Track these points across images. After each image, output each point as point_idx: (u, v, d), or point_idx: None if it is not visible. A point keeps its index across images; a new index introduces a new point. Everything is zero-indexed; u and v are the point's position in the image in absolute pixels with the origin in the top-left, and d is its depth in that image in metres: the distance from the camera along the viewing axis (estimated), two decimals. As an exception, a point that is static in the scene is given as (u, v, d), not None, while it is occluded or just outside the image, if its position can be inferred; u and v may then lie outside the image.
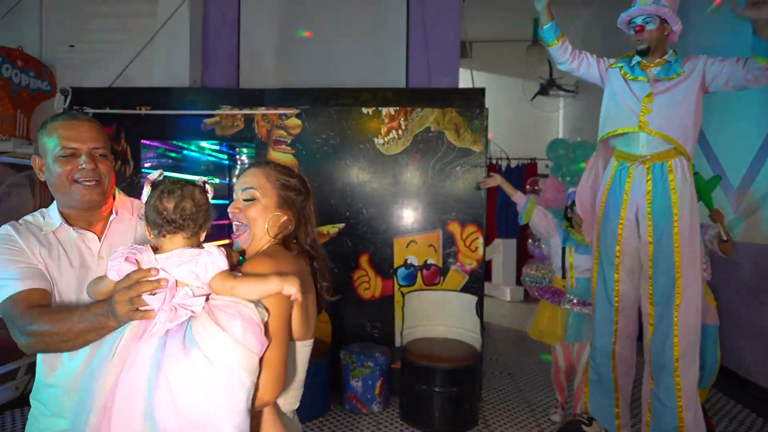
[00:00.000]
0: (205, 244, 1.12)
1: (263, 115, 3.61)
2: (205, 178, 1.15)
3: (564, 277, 3.20)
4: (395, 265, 3.56)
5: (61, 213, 1.32)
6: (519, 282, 6.89)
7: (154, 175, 1.12)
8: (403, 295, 3.50)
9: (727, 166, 4.12)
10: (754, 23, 2.05)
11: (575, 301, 3.08)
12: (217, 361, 0.97)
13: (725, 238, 2.82)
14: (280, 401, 1.20)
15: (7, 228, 1.28)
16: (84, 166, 1.26)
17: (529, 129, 8.39)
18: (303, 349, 1.22)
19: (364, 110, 3.55)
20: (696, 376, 2.38)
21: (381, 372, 3.30)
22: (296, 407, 1.26)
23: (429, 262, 3.54)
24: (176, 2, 5.35)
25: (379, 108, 3.54)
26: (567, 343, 3.17)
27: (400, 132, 3.53)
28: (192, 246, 1.09)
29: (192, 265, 1.04)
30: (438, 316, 3.40)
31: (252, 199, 1.22)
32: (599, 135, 2.57)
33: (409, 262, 3.56)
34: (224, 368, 0.97)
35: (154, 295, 1.00)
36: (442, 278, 3.52)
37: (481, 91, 3.55)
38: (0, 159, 3.61)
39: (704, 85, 2.31)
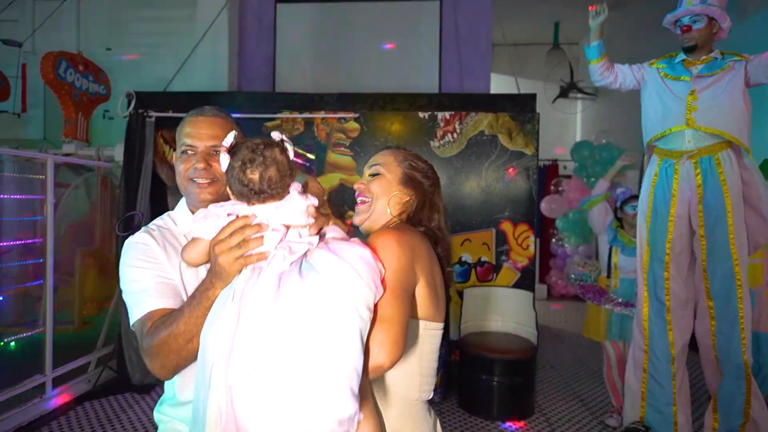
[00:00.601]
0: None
1: (323, 118, 3.77)
2: (281, 135, 1.06)
3: (608, 276, 3.28)
4: (451, 261, 3.72)
5: (190, 212, 1.27)
6: (542, 280, 7.07)
7: (228, 139, 1.03)
8: (458, 292, 3.67)
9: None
10: None
11: (618, 300, 3.08)
12: (335, 282, 0.92)
13: None
14: (412, 391, 1.13)
15: (143, 236, 1.21)
16: (196, 165, 1.19)
17: (549, 131, 8.56)
18: (433, 332, 1.14)
19: (420, 114, 3.72)
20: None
21: (441, 363, 3.46)
22: (429, 397, 1.17)
23: (483, 259, 3.71)
24: (214, 7, 5.48)
25: (435, 112, 3.71)
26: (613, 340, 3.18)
27: (455, 135, 3.70)
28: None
29: (289, 206, 1.01)
30: (494, 311, 3.56)
31: (376, 174, 1.24)
32: (646, 138, 2.59)
33: (463, 259, 3.73)
34: (342, 292, 0.92)
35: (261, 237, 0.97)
36: (494, 275, 3.70)
37: (532, 97, 3.73)
38: (64, 160, 3.74)
39: (747, 77, 2.33)
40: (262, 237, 0.97)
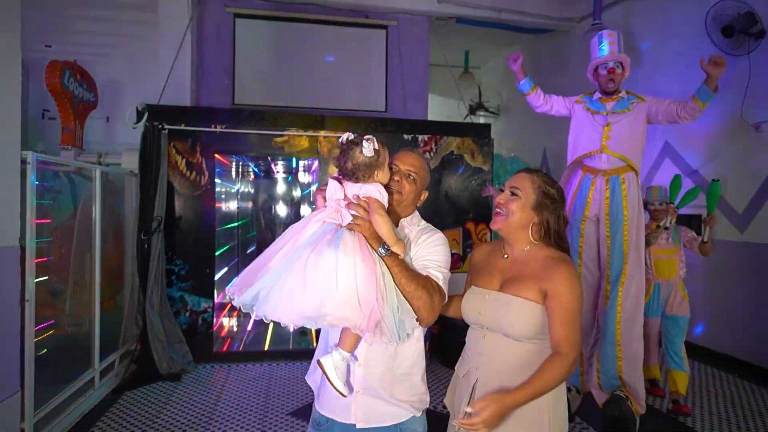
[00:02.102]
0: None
1: (325, 136, 4.46)
2: (367, 135, 1.39)
3: None
4: (428, 255, 4.69)
5: None
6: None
7: (344, 137, 1.40)
8: (434, 277, 4.65)
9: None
10: (708, 75, 2.67)
11: None
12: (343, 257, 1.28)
13: (706, 240, 3.36)
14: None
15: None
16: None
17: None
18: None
19: (405, 136, 4.62)
20: (638, 341, 2.92)
21: (428, 334, 4.43)
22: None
23: (453, 252, 4.74)
24: (176, 16, 5.69)
25: (416, 135, 4.63)
26: None
27: (432, 153, 4.67)
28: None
29: (356, 189, 1.39)
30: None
31: (515, 195, 1.51)
32: (571, 157, 3.09)
33: (452, 252, 4.71)
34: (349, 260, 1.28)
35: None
36: (462, 263, 4.75)
37: (487, 126, 4.86)
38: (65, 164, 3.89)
39: (648, 117, 2.91)
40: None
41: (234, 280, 1.38)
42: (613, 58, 2.90)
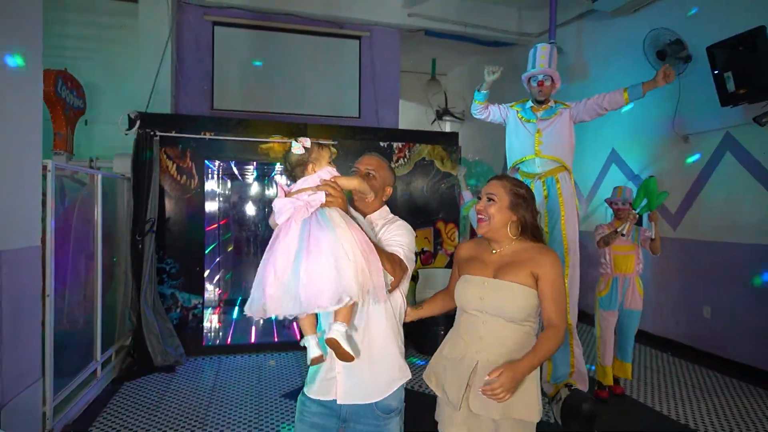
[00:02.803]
0: None
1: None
2: (301, 139, 1.55)
3: None
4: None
5: None
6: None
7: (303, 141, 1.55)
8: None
9: (581, 180, 6.62)
10: (650, 83, 2.92)
11: None
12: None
13: (654, 237, 3.55)
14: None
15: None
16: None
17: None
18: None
19: (381, 143, 5.03)
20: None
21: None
22: None
23: (425, 249, 5.20)
24: (155, 22, 5.86)
25: (391, 143, 5.06)
26: None
27: (405, 159, 5.11)
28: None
29: (308, 181, 1.52)
30: (434, 284, 5.07)
31: (491, 200, 1.69)
32: (509, 163, 3.30)
33: (424, 249, 5.16)
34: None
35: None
36: (433, 259, 5.21)
37: (455, 135, 5.34)
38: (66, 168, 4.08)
39: (572, 118, 3.14)
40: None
41: (249, 302, 1.44)
42: (542, 71, 3.11)
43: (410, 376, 1.64)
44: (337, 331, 1.43)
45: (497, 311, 1.61)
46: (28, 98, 2.64)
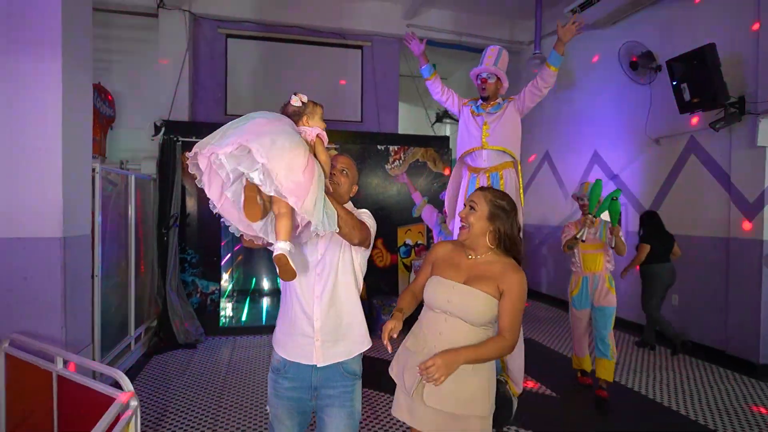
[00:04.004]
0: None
1: (312, 147, 5.35)
2: (300, 94, 1.68)
3: None
4: (398, 245, 5.67)
5: None
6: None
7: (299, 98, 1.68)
8: (405, 265, 5.62)
9: (567, 179, 7.11)
10: (559, 42, 2.90)
11: None
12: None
13: (613, 245, 3.57)
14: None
15: None
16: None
17: (428, 146, 10.97)
18: None
19: (379, 147, 5.57)
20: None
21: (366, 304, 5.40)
22: None
23: (419, 242, 5.72)
24: (173, 35, 6.42)
25: (388, 146, 5.59)
26: None
27: (401, 161, 5.64)
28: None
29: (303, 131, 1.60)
30: (428, 274, 5.60)
31: (473, 209, 1.77)
32: (458, 154, 3.29)
33: (407, 243, 5.69)
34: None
35: None
36: (426, 252, 5.73)
37: (446, 138, 5.86)
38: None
39: (518, 110, 3.14)
40: None
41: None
42: (484, 69, 3.15)
43: (371, 345, 1.80)
44: (282, 249, 1.50)
45: (461, 314, 1.70)
46: (83, 111, 3.20)
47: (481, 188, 1.88)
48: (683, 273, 5.10)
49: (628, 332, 5.57)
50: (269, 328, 5.37)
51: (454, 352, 1.62)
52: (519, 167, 3.17)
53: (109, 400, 1.82)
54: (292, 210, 1.51)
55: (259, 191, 1.49)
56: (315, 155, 1.61)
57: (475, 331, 1.70)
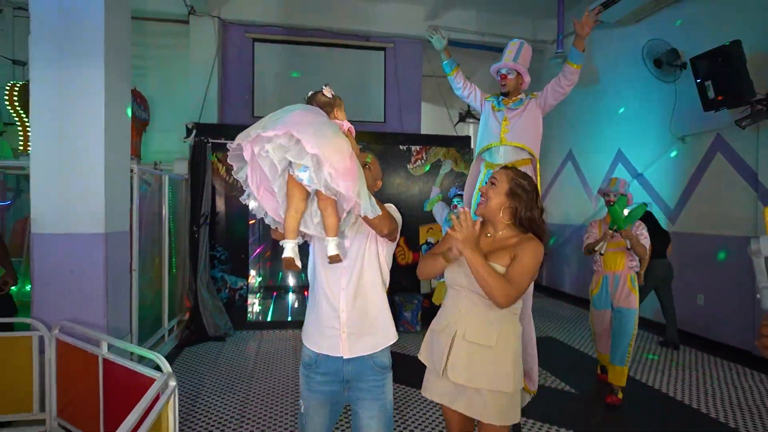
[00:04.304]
0: None
1: (336, 147, 5.51)
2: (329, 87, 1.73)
3: None
4: (420, 243, 5.77)
5: None
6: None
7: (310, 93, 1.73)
8: (425, 261, 5.72)
9: (590, 178, 7.07)
10: (578, 38, 2.83)
11: None
12: None
13: (629, 247, 3.44)
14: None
15: None
16: None
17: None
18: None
19: (401, 147, 5.68)
20: (531, 323, 2.96)
21: (420, 307, 5.50)
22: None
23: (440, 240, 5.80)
24: (203, 41, 6.67)
25: (410, 146, 5.70)
26: None
27: (422, 161, 5.74)
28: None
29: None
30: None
31: (493, 184, 1.80)
32: (477, 150, 3.25)
33: (429, 241, 5.78)
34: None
35: None
36: (448, 250, 5.81)
37: (468, 138, 5.92)
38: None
39: (540, 107, 3.08)
40: None
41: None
42: (503, 65, 3.11)
43: (397, 338, 1.82)
44: (333, 249, 1.59)
45: (478, 289, 1.69)
46: (123, 116, 3.43)
47: (505, 167, 1.90)
48: (709, 273, 5.04)
49: (650, 331, 5.52)
50: (294, 324, 5.61)
51: (478, 250, 1.63)
52: (537, 165, 3.08)
53: (150, 381, 1.99)
54: (335, 203, 1.56)
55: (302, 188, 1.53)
56: None
57: (492, 305, 1.69)
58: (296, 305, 6.04)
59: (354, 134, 1.72)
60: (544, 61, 7.93)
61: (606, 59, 6.72)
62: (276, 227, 1.71)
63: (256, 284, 5.93)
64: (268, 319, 5.78)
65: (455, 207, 4.00)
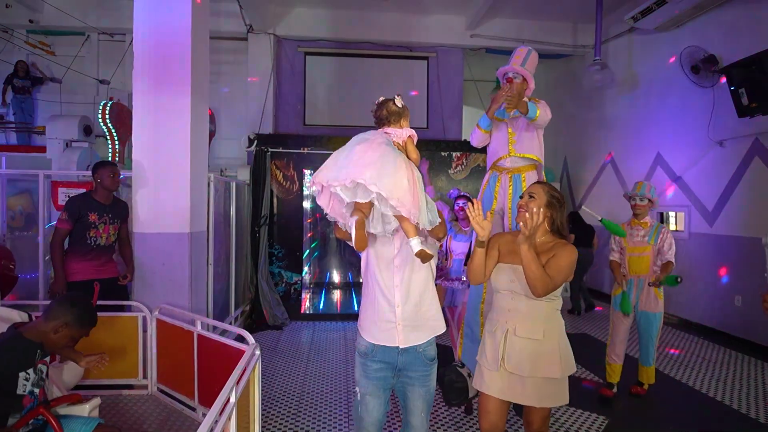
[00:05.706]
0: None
1: (382, 154, 5.97)
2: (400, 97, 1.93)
3: (446, 258, 4.15)
4: (460, 243, 6.12)
5: None
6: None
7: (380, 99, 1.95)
8: (465, 260, 6.07)
9: (629, 180, 7.18)
10: (491, 105, 3.01)
11: (451, 277, 3.99)
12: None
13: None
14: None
15: None
16: None
17: (491, 148, 11.23)
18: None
19: (443, 153, 6.07)
20: None
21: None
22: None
23: (479, 241, 6.14)
24: (260, 56, 7.26)
25: (451, 152, 6.08)
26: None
27: (463, 166, 6.10)
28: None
29: (399, 132, 1.91)
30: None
31: (533, 197, 2.01)
32: (490, 162, 3.33)
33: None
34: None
35: None
36: (486, 250, 6.15)
37: (507, 143, 6.23)
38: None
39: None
40: None
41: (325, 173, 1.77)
42: (510, 69, 3.13)
43: (445, 329, 2.02)
44: (416, 242, 1.78)
45: (522, 290, 1.96)
46: (203, 132, 4.02)
47: (538, 182, 2.20)
48: (746, 275, 5.13)
49: (690, 332, 5.64)
50: (342, 316, 6.11)
51: (533, 247, 1.88)
52: (542, 171, 3.16)
53: (239, 351, 2.50)
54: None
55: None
56: (406, 154, 1.87)
57: (538, 304, 1.95)
58: (343, 299, 6.55)
59: (416, 140, 1.95)
60: (583, 66, 8.06)
61: (646, 64, 6.82)
62: (338, 224, 1.96)
63: (309, 279, 6.48)
64: (319, 311, 6.31)
65: (461, 209, 4.15)
